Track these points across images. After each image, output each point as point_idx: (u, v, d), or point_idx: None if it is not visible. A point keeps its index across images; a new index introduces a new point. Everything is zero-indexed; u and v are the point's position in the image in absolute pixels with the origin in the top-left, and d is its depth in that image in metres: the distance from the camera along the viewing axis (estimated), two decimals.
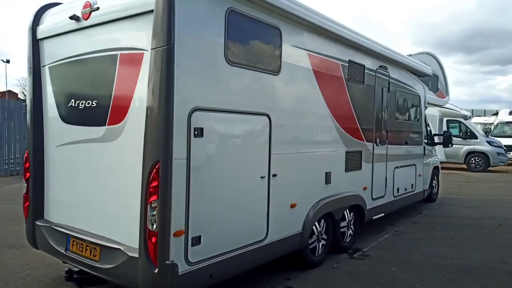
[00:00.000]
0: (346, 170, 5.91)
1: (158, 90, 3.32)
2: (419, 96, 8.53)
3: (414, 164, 8.44)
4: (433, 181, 10.18)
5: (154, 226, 3.35)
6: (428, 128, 9.83)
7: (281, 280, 4.94)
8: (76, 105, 4.24)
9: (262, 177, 4.30)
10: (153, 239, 3.36)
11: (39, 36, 4.65)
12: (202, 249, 3.64)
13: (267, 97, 4.37)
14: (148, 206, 3.37)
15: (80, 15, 4.11)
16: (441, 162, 17.62)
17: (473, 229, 7.63)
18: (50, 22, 4.55)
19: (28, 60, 4.72)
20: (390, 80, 7.16)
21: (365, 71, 6.28)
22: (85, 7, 4.07)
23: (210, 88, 3.67)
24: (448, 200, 10.73)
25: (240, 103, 4.01)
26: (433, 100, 9.56)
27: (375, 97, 6.64)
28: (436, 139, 10.35)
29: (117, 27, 3.83)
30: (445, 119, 17.57)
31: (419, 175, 8.71)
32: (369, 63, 6.40)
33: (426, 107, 9.55)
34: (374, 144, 6.68)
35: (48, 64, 4.59)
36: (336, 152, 5.67)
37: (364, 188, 6.42)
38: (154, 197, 3.35)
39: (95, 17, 3.98)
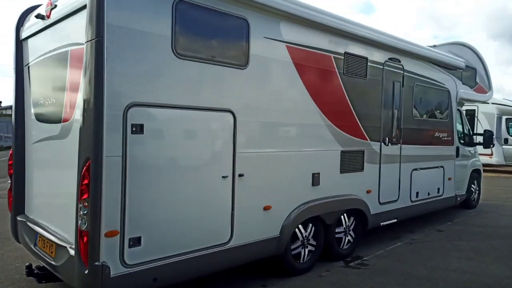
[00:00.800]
0: (342, 171, 5.46)
1: (89, 85, 3.23)
2: (448, 91, 7.74)
3: (442, 166, 7.67)
4: (472, 185, 9.23)
5: (85, 225, 3.26)
6: (466, 127, 8.95)
7: (256, 286, 4.66)
8: (43, 103, 4.30)
9: (224, 177, 4.06)
10: (85, 239, 3.27)
11: (21, 36, 4.78)
12: (143, 250, 3.49)
13: (231, 92, 4.12)
14: (80, 204, 3.29)
15: (44, 14, 4.15)
16: (500, 165, 16.27)
17: (505, 240, 6.77)
18: (30, 23, 4.66)
19: (13, 60, 4.88)
20: (405, 73, 6.55)
21: (369, 64, 5.78)
22: (47, 5, 4.11)
23: (153, 83, 3.51)
24: (491, 207, 9.68)
25: (194, 98, 3.80)
26: (470, 95, 8.64)
27: (383, 92, 6.10)
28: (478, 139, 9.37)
29: (69, 23, 3.80)
30: (504, 118, 15.98)
31: (449, 179, 7.90)
32: (374, 55, 5.88)
33: (460, 104, 8.71)
34: (382, 143, 6.14)
35: (27, 63, 4.71)
36: (327, 151, 5.25)
37: (368, 191, 5.91)
38: (85, 195, 3.26)
39: (54, 15, 4.00)
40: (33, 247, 4.29)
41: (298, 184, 4.89)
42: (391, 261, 5.60)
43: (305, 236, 5.08)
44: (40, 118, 4.40)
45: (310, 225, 5.14)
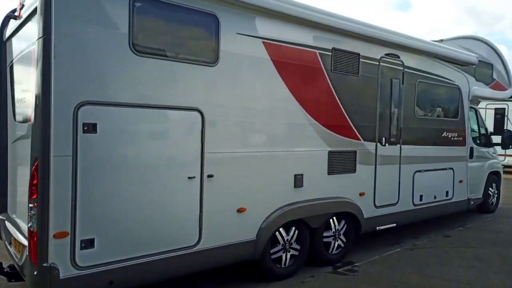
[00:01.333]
0: (330, 172, 5.22)
1: (37, 83, 3.19)
2: (459, 89, 7.29)
3: (452, 168, 7.23)
4: (490, 188, 8.68)
5: (34, 225, 3.22)
6: (482, 127, 8.44)
7: None
8: (18, 102, 4.33)
9: (190, 178, 3.94)
10: (34, 239, 3.23)
11: (5, 37, 4.84)
12: (96, 252, 3.42)
13: (199, 90, 3.99)
14: (30, 204, 3.26)
15: (16, 14, 4.17)
16: None
17: None
18: (12, 24, 4.70)
19: None
20: (405, 70, 6.20)
21: (361, 60, 5.50)
22: (18, 5, 4.12)
23: (108, 81, 3.43)
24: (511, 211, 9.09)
25: (155, 97, 3.70)
26: (486, 93, 8.12)
27: (379, 90, 5.80)
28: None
29: (33, 22, 3.78)
30: None
31: (460, 181, 7.44)
32: (368, 51, 5.59)
33: (476, 102, 8.24)
34: (378, 143, 5.83)
35: (9, 63, 4.76)
36: (312, 152, 5.02)
37: (361, 194, 5.63)
38: (34, 196, 3.22)
39: (23, 14, 4.00)
40: (8, 246, 4.33)
41: (277, 186, 4.70)
42: (384, 268, 5.30)
43: (287, 239, 4.87)
44: (16, 118, 4.43)
45: (293, 228, 4.93)
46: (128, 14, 3.50)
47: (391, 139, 6.06)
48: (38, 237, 3.19)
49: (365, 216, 5.68)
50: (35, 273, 3.21)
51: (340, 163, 5.35)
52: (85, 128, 3.31)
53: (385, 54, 5.87)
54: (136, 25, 3.54)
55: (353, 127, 5.48)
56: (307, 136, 4.98)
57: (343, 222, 5.53)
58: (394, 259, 5.70)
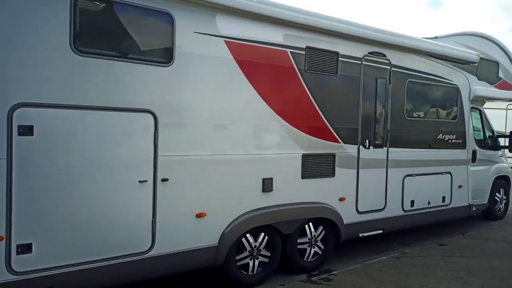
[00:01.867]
0: (304, 176, 4.99)
1: None
2: (457, 88, 6.90)
3: (449, 173, 6.85)
4: (497, 194, 8.20)
5: None
6: (488, 128, 7.99)
7: None
8: None
9: (141, 182, 3.82)
10: None
11: None
12: (35, 257, 3.34)
13: (151, 91, 3.86)
14: None
15: None
16: None
17: None
18: None
19: None
20: (393, 69, 5.89)
21: (340, 59, 5.25)
22: None
23: (46, 82, 3.35)
24: None
25: (101, 98, 3.59)
26: (491, 92, 7.66)
27: (362, 90, 5.52)
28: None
29: None
30: None
31: (459, 187, 7.04)
32: (348, 49, 5.34)
33: (479, 102, 7.81)
34: (361, 146, 5.56)
35: None
36: (283, 155, 4.81)
37: (341, 199, 5.38)
38: None
39: None
40: None
41: (243, 190, 4.52)
42: (360, 277, 5.03)
43: (255, 246, 4.69)
44: None
45: (262, 234, 4.74)
46: (69, 11, 3.40)
47: (377, 142, 5.77)
48: None
49: (345, 222, 5.42)
50: None
51: (316, 166, 5.12)
52: (21, 131, 3.24)
53: (369, 53, 5.59)
54: (79, 23, 3.44)
55: (331, 129, 5.23)
56: (277, 139, 4.77)
57: (320, 228, 5.29)
58: (376, 268, 5.42)
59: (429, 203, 6.55)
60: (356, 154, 5.53)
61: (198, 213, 4.19)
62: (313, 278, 5.01)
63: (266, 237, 4.78)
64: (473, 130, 7.74)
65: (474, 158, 7.42)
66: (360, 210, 5.62)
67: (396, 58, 5.91)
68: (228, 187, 4.40)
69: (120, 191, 3.73)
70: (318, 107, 5.09)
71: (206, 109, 4.22)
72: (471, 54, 6.92)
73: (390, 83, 5.87)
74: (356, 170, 5.54)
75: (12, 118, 3.20)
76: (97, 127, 3.62)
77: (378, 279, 5.01)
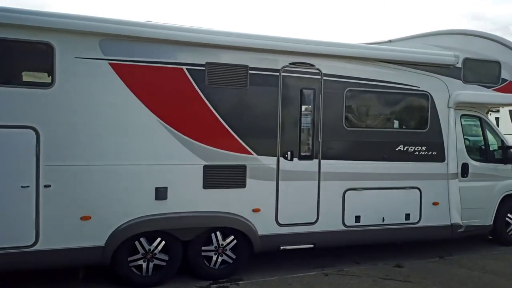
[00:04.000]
0: (207, 186, 5.19)
1: None
2: (428, 95, 6.22)
3: (417, 188, 6.22)
4: (509, 214, 7.05)
5: None
6: (491, 138, 6.97)
7: None
8: None
9: (23, 187, 4.53)
10: None
11: None
12: None
13: (33, 110, 4.54)
14: None
15: None
16: None
17: None
18: None
19: None
20: (325, 78, 5.66)
21: (250, 72, 5.31)
22: None
23: None
24: None
25: None
26: (485, 97, 6.65)
27: (281, 101, 5.47)
28: None
29: None
30: None
31: (435, 204, 6.32)
32: (260, 62, 5.35)
33: (483, 109, 6.91)
34: (282, 158, 5.50)
35: None
36: (180, 166, 5.09)
37: (255, 210, 5.41)
38: None
39: None
40: None
41: (133, 197, 4.93)
42: None
43: (149, 249, 5.07)
44: None
45: (159, 239, 5.10)
46: None
47: (303, 154, 5.62)
48: None
49: (260, 234, 5.43)
50: None
51: (223, 177, 5.27)
52: None
53: (290, 64, 5.49)
54: None
55: (240, 141, 5.32)
56: (174, 151, 5.06)
57: (231, 237, 5.41)
58: (288, 282, 5.31)
59: (383, 220, 6.06)
60: (275, 166, 5.49)
61: (83, 216, 4.75)
62: (213, 286, 5.18)
63: (163, 242, 5.12)
64: (468, 141, 6.87)
65: (464, 172, 6.57)
66: (281, 222, 5.55)
67: (328, 67, 5.67)
68: (115, 194, 4.87)
69: (7, 193, 4.48)
70: (223, 119, 5.24)
71: (91, 124, 4.75)
72: (443, 56, 6.18)
73: (321, 93, 5.65)
74: (275, 182, 5.50)
75: None
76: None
77: None
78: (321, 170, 5.71)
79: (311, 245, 5.73)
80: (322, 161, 5.71)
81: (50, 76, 4.59)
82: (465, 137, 6.86)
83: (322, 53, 5.61)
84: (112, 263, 4.94)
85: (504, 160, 6.93)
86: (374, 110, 6.07)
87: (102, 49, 4.77)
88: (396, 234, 6.18)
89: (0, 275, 4.91)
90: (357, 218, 5.93)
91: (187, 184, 5.14)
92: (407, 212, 6.20)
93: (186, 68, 5.07)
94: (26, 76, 4.61)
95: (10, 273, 4.83)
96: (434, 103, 6.26)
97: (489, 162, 6.86)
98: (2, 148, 4.48)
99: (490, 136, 7.03)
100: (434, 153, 6.31)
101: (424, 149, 6.25)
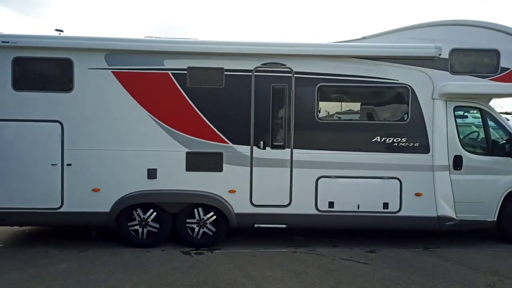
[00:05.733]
0: (189, 169, 6.31)
1: None
2: (409, 87, 6.36)
3: (396, 178, 6.41)
4: None
5: None
6: (495, 131, 6.72)
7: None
8: None
9: (53, 165, 6.23)
10: None
11: None
12: None
13: (59, 108, 6.21)
14: None
15: None
16: None
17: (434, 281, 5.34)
18: None
19: None
20: (296, 76, 6.30)
21: (225, 73, 6.27)
22: None
23: (0, 105, 6.17)
24: None
25: (28, 113, 6.18)
26: (477, 87, 6.41)
27: (254, 97, 6.30)
28: None
29: None
30: None
31: (417, 194, 6.41)
32: (234, 64, 6.27)
33: (485, 100, 6.76)
34: (255, 147, 6.33)
35: None
36: (167, 152, 6.28)
37: (231, 191, 6.34)
38: None
39: None
40: None
41: (130, 176, 6.30)
42: (227, 258, 5.91)
43: (143, 218, 6.38)
44: None
45: (151, 210, 6.38)
46: (10, 67, 6.12)
47: (276, 143, 6.35)
48: None
49: (236, 212, 6.35)
50: None
51: (202, 162, 6.33)
52: None
53: (262, 64, 6.29)
54: (16, 72, 6.14)
55: (218, 132, 6.31)
56: (162, 140, 6.28)
57: (211, 213, 6.43)
58: (254, 255, 6.08)
59: (358, 207, 6.41)
60: (249, 154, 6.34)
61: (94, 188, 6.29)
62: (193, 251, 6.25)
63: (155, 213, 6.39)
64: (467, 132, 6.75)
65: (457, 165, 6.49)
66: (255, 203, 6.37)
67: (299, 65, 6.30)
68: (118, 172, 6.30)
69: (41, 169, 6.23)
70: (203, 114, 6.30)
71: (99, 119, 6.26)
72: (422, 49, 6.25)
73: (293, 89, 6.32)
74: (249, 168, 6.35)
75: None
76: (27, 131, 6.21)
77: (232, 261, 5.82)
78: (293, 159, 6.37)
79: (284, 226, 6.43)
80: (294, 150, 6.36)
81: (70, 83, 6.22)
82: (471, 129, 6.74)
83: (292, 54, 6.29)
84: (117, 227, 6.39)
85: (510, 153, 6.58)
86: (348, 103, 6.47)
87: (107, 61, 6.24)
88: (373, 222, 6.47)
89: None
90: (331, 204, 6.41)
91: (173, 167, 6.32)
92: (385, 201, 6.44)
93: (171, 73, 6.27)
94: (54, 84, 6.28)
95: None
96: (415, 95, 6.38)
97: (491, 155, 6.61)
98: (39, 136, 6.25)
99: (494, 129, 6.75)
100: (416, 144, 6.42)
101: (405, 140, 6.40)
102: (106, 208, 6.30)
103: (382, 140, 6.41)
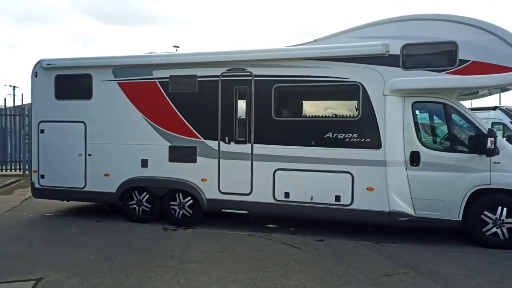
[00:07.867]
0: (171, 160, 7.63)
1: None
2: (359, 85, 6.55)
3: (348, 172, 6.65)
4: (486, 212, 6.19)
5: None
6: (459, 126, 6.44)
7: (94, 220, 8.21)
8: None
9: (79, 155, 8.23)
10: None
11: None
12: (46, 180, 8.48)
13: (83, 112, 8.18)
14: None
15: None
16: None
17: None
18: None
19: None
20: (256, 79, 7.09)
21: (198, 79, 7.42)
22: None
23: (47, 110, 8.43)
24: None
25: (62, 116, 8.29)
26: (431, 82, 6.19)
27: (220, 99, 7.31)
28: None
29: None
30: None
31: (369, 189, 6.54)
32: (205, 71, 7.37)
33: (457, 95, 6.65)
34: (222, 142, 7.31)
35: None
36: (154, 145, 7.71)
37: (203, 179, 7.44)
38: None
39: None
40: None
41: (130, 164, 7.91)
42: (195, 236, 7.01)
43: (139, 198, 7.92)
44: None
45: (144, 193, 7.89)
46: (53, 82, 8.35)
47: (238, 139, 7.23)
48: None
49: (207, 197, 7.42)
50: None
51: (181, 154, 7.59)
52: (41, 131, 8.51)
53: (227, 70, 7.26)
54: (58, 86, 8.34)
55: (192, 129, 7.50)
56: (151, 135, 7.75)
57: (189, 198, 7.61)
58: (212, 234, 7.04)
59: (312, 199, 6.83)
60: (217, 148, 7.36)
61: (105, 173, 8.09)
62: (170, 228, 7.53)
63: (147, 195, 7.88)
64: (427, 128, 6.62)
65: (414, 161, 6.43)
66: (222, 190, 7.35)
67: (258, 69, 7.07)
68: (121, 161, 7.98)
69: (74, 158, 8.28)
70: (181, 114, 7.57)
71: (110, 120, 8.04)
72: (368, 47, 6.40)
73: (253, 91, 7.12)
74: (217, 160, 7.36)
75: (39, 126, 8.50)
76: (64, 129, 8.35)
77: (189, 237, 6.91)
78: (254, 152, 7.16)
79: (246, 212, 7.26)
80: (254, 145, 7.15)
81: (90, 92, 8.14)
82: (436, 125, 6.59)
83: (250, 59, 7.11)
84: (122, 205, 8.07)
85: (476, 150, 6.20)
86: (302, 102, 6.94)
87: (114, 74, 8.00)
88: (326, 213, 6.81)
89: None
90: (286, 194, 6.99)
91: (159, 158, 7.72)
92: (338, 194, 6.73)
93: (158, 81, 7.70)
94: (80, 94, 8.27)
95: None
96: (366, 92, 6.55)
97: (454, 152, 6.33)
98: (70, 133, 8.32)
99: (459, 124, 6.42)
100: (368, 140, 6.57)
101: (356, 136, 6.62)
102: (113, 189, 8.02)
103: (334, 136, 6.74)
